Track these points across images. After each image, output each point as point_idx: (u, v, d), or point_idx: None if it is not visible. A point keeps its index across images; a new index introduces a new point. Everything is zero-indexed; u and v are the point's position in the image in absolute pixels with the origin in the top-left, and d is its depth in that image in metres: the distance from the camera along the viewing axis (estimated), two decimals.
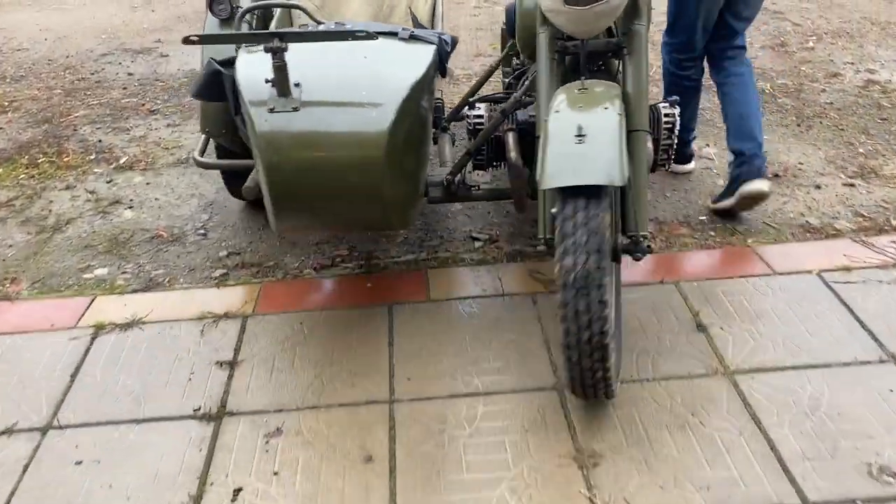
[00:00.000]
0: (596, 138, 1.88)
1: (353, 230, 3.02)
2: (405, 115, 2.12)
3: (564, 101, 2.00)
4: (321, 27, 2.41)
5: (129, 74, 5.12)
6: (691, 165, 3.51)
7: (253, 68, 2.17)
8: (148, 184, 3.66)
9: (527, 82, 2.52)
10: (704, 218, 3.18)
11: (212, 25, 2.92)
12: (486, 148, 2.67)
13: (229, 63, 2.46)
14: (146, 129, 4.23)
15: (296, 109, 2.08)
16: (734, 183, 3.02)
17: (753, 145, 2.99)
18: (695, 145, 3.57)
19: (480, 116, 2.63)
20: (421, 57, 2.27)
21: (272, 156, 2.06)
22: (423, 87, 2.20)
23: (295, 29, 2.06)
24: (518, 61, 3.22)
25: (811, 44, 5.17)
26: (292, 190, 2.11)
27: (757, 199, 2.97)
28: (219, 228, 3.26)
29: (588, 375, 1.92)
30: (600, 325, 1.82)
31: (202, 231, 3.24)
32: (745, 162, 2.98)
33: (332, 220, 2.26)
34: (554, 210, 1.90)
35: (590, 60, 2.36)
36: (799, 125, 4.00)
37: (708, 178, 3.50)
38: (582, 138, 1.88)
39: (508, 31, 2.65)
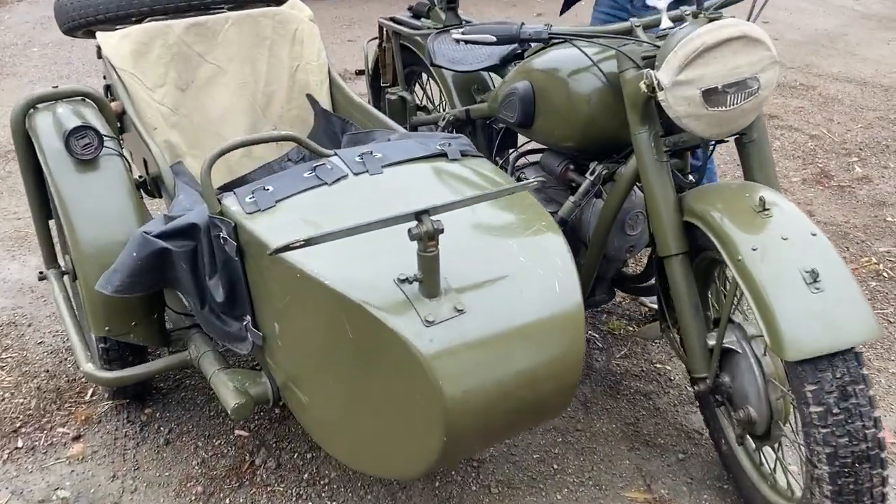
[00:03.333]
0: (833, 282, 1.53)
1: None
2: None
3: (753, 232, 1.59)
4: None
5: None
6: None
7: (330, 260, 1.41)
8: None
9: (584, 185, 2.03)
10: None
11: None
12: None
13: (179, 233, 1.65)
14: None
15: (461, 311, 1.37)
16: None
17: None
18: None
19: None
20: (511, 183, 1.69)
21: (453, 389, 1.32)
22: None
23: (435, 204, 1.30)
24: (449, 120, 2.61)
25: (857, 168, 3.90)
26: (480, 421, 1.40)
27: None
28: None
29: None
30: None
31: None
32: None
33: (510, 433, 1.58)
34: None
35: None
36: None
37: None
38: (818, 285, 1.51)
39: (521, 117, 2.10)
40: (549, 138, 2.10)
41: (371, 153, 1.72)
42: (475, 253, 1.45)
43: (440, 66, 2.50)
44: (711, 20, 1.61)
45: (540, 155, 2.40)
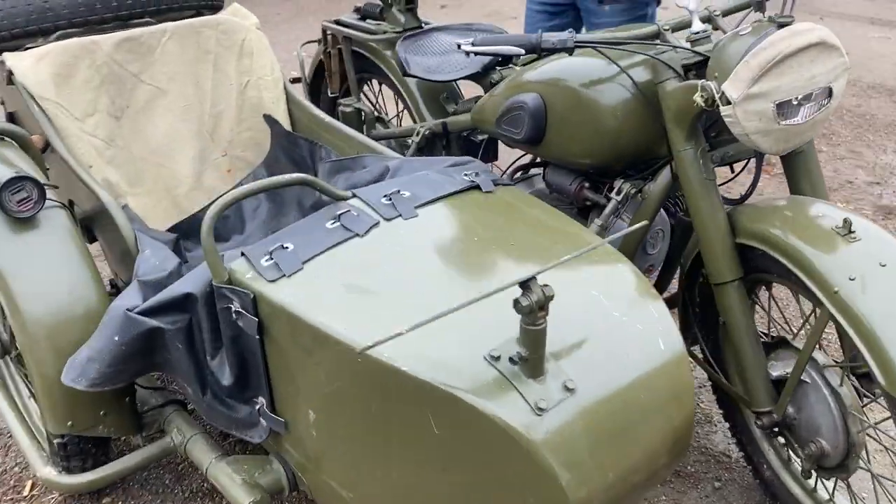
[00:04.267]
0: None
1: None
2: None
3: (844, 258, 1.44)
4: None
5: None
6: None
7: (402, 339, 1.13)
8: None
9: (611, 205, 1.83)
10: None
11: None
12: None
13: (171, 307, 1.34)
14: None
15: (571, 390, 1.13)
16: None
17: None
18: None
19: None
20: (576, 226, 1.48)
21: (576, 487, 1.09)
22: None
23: (529, 267, 1.03)
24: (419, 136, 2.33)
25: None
26: None
27: None
28: None
29: None
30: None
31: None
32: None
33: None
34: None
35: None
36: None
37: None
38: None
39: (530, 133, 1.85)
40: (563, 155, 1.88)
41: (399, 192, 1.45)
42: (564, 312, 1.21)
43: (415, 77, 2.24)
44: (781, 25, 1.44)
45: (537, 170, 2.19)
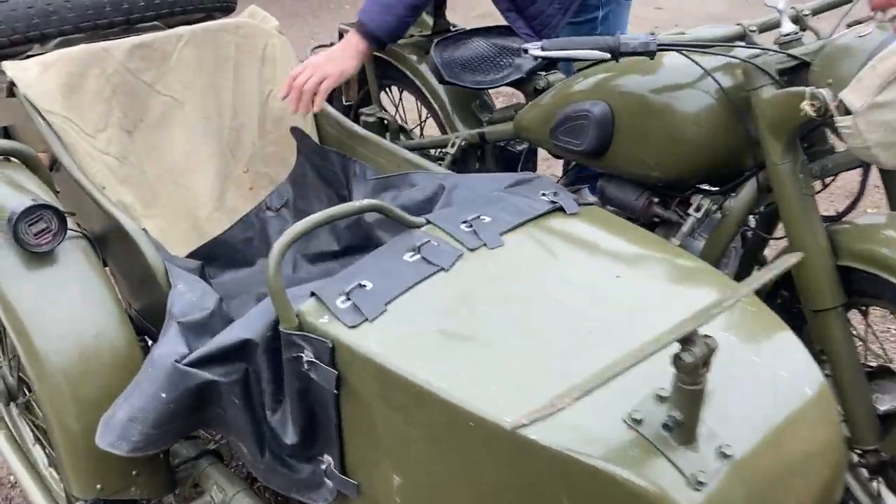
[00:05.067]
0: None
1: None
2: None
3: None
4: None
5: None
6: None
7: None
8: None
9: (689, 223, 1.67)
10: None
11: None
12: None
13: (225, 356, 1.17)
14: None
15: (728, 457, 0.96)
16: None
17: None
18: None
19: None
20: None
21: None
22: None
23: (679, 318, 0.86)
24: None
25: None
26: None
27: None
28: None
29: None
30: None
31: None
32: None
33: None
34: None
35: None
36: None
37: None
38: None
39: (594, 143, 1.67)
40: (632, 167, 1.72)
41: (479, 218, 1.27)
42: None
43: (453, 84, 2.06)
44: None
45: (583, 182, 2.03)
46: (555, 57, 1.53)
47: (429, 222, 1.28)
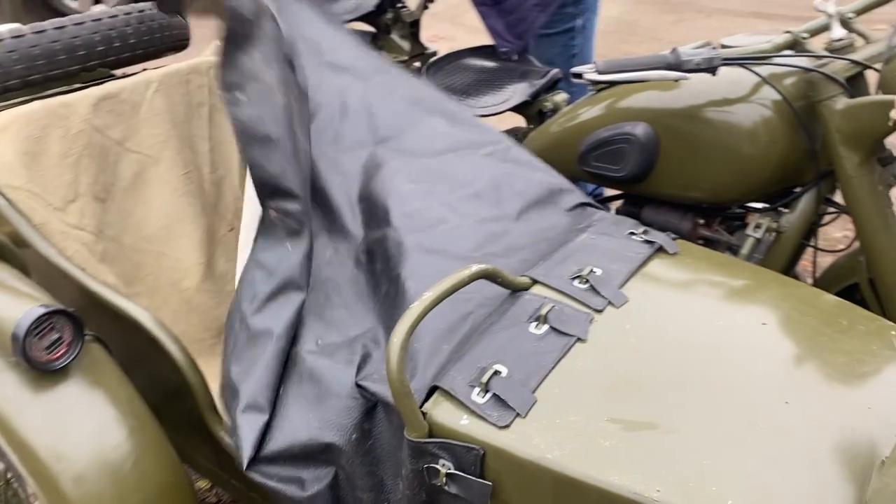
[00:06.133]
0: None
1: None
2: None
3: None
4: None
5: None
6: None
7: None
8: None
9: (748, 244, 1.56)
10: None
11: None
12: None
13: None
14: None
15: None
16: None
17: None
18: None
19: None
20: None
21: None
22: None
23: None
24: None
25: None
26: None
27: None
28: None
29: None
30: None
31: None
32: None
33: None
34: None
35: None
36: None
37: None
38: None
39: (637, 168, 1.53)
40: (678, 190, 1.60)
41: (592, 272, 1.11)
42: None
43: None
44: None
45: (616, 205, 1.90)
46: (615, 80, 1.39)
47: (535, 282, 1.10)
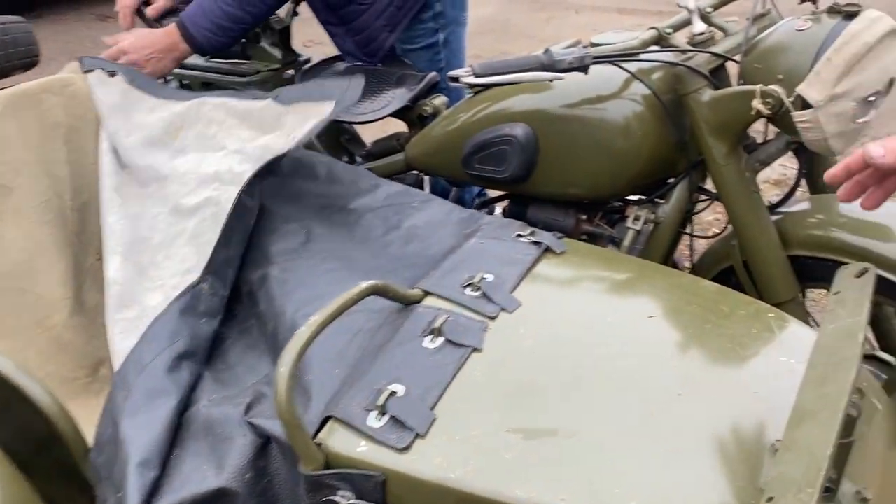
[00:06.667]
0: None
1: None
2: None
3: None
4: None
5: None
6: None
7: None
8: None
9: (629, 236, 1.59)
10: None
11: None
12: None
13: None
14: None
15: (867, 500, 0.87)
16: None
17: None
18: None
19: None
20: None
21: None
22: None
23: None
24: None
25: None
26: None
27: None
28: None
29: None
30: None
31: None
32: None
33: None
34: None
35: None
36: None
37: None
38: None
39: (518, 169, 1.52)
40: (560, 188, 1.62)
41: (483, 279, 1.10)
42: (782, 398, 0.96)
43: (337, 120, 1.84)
44: (849, 15, 1.30)
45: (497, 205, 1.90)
46: (491, 83, 1.38)
47: (427, 293, 1.08)
